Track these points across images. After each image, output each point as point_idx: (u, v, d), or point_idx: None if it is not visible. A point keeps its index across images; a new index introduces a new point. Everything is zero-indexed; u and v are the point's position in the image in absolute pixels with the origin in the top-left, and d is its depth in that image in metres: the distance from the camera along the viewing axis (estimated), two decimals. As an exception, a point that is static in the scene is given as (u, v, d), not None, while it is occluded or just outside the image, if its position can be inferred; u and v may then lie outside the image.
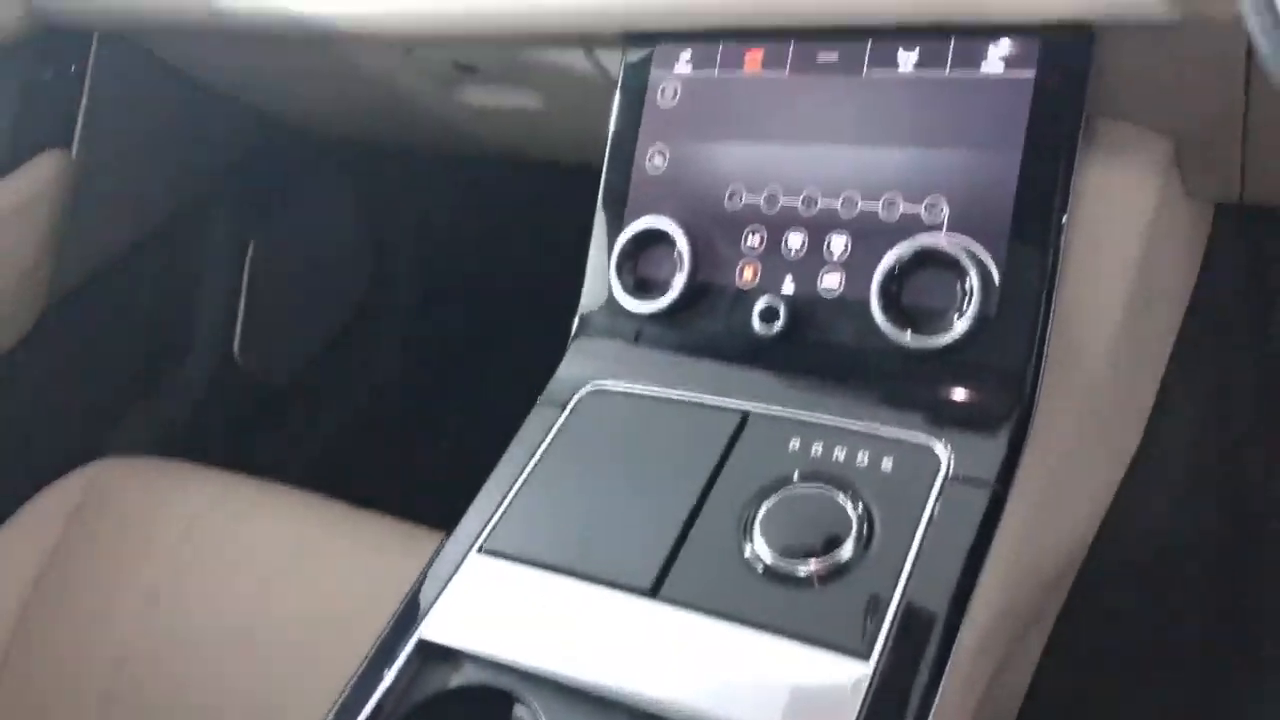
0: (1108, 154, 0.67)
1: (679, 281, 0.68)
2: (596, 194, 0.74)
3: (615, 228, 0.72)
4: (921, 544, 0.55)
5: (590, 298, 0.72)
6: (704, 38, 0.71)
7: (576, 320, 0.73)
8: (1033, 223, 0.61)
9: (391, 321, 1.54)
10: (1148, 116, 0.69)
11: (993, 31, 0.62)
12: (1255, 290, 1.03)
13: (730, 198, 0.69)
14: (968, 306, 0.60)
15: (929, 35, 0.64)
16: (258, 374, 1.37)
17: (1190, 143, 0.73)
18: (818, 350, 0.65)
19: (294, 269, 1.39)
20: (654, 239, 0.70)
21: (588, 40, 0.77)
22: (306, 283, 1.42)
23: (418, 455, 1.47)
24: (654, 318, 0.69)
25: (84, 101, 1.11)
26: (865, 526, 0.56)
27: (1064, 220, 0.61)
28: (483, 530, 0.63)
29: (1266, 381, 1.01)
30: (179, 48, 1.10)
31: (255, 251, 1.33)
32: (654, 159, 0.72)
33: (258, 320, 1.34)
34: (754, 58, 0.70)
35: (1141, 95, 0.66)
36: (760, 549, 0.57)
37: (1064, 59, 0.61)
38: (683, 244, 0.68)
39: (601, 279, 0.71)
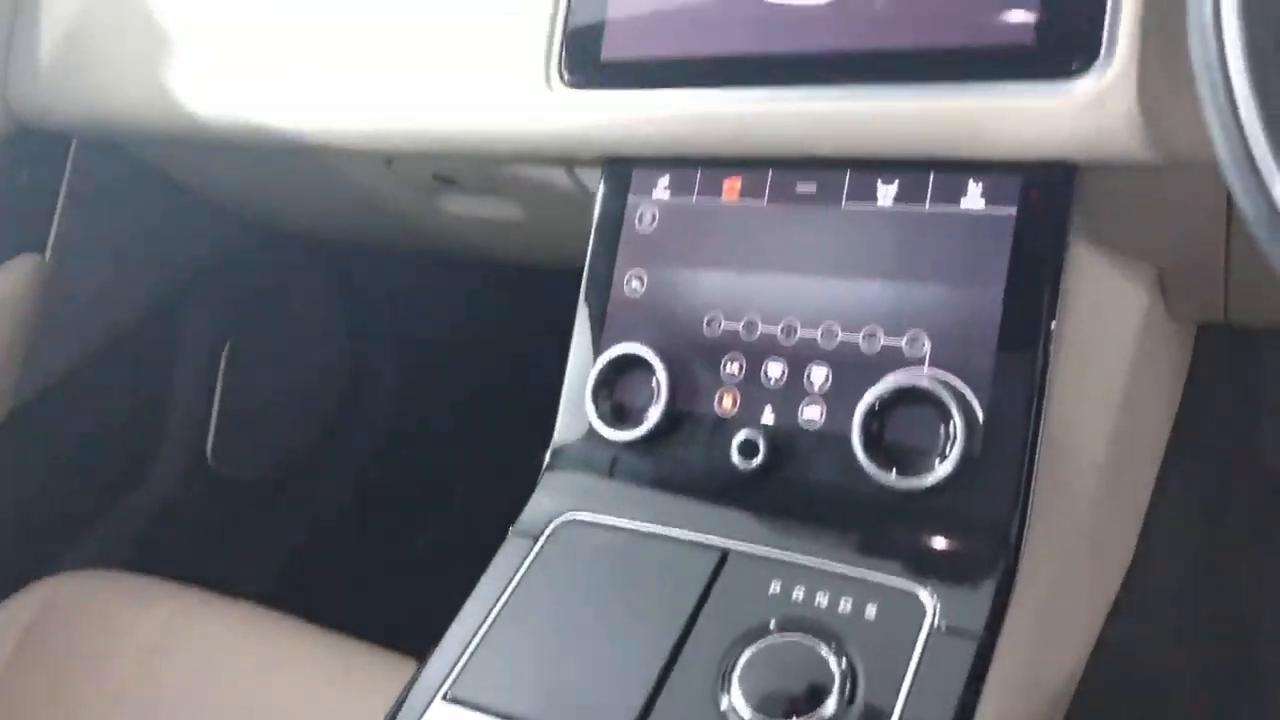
0: (1091, 282, 0.67)
1: (656, 409, 0.66)
2: (578, 295, 0.72)
3: (592, 353, 0.70)
4: (907, 700, 0.53)
5: (566, 424, 0.71)
6: (682, 164, 0.70)
7: (550, 450, 0.71)
8: (1017, 361, 0.59)
9: (371, 421, 1.51)
10: (1131, 245, 0.68)
11: (973, 167, 0.61)
12: (1243, 407, 1.02)
13: (709, 324, 0.68)
14: (951, 447, 0.58)
15: (908, 169, 0.63)
16: (231, 476, 1.34)
17: (1173, 268, 0.73)
18: (799, 487, 0.63)
19: (272, 369, 1.37)
20: (631, 365, 0.68)
21: (567, 161, 0.77)
22: (284, 383, 1.40)
23: (395, 560, 1.43)
24: (631, 446, 0.68)
25: (60, 204, 1.10)
26: (849, 681, 0.54)
27: (1049, 357, 0.60)
28: (450, 673, 0.60)
29: (1256, 501, 1.00)
30: (159, 152, 1.09)
31: (232, 351, 1.31)
32: (632, 283, 0.71)
33: (232, 421, 1.32)
34: (732, 186, 0.69)
35: (1124, 225, 0.66)
36: (738, 703, 0.54)
37: (1046, 195, 0.60)
38: (660, 371, 0.67)
39: (578, 405, 0.69)
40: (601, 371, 0.69)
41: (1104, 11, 0.55)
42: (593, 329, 0.71)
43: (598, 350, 0.70)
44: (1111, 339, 0.71)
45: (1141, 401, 0.76)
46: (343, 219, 1.15)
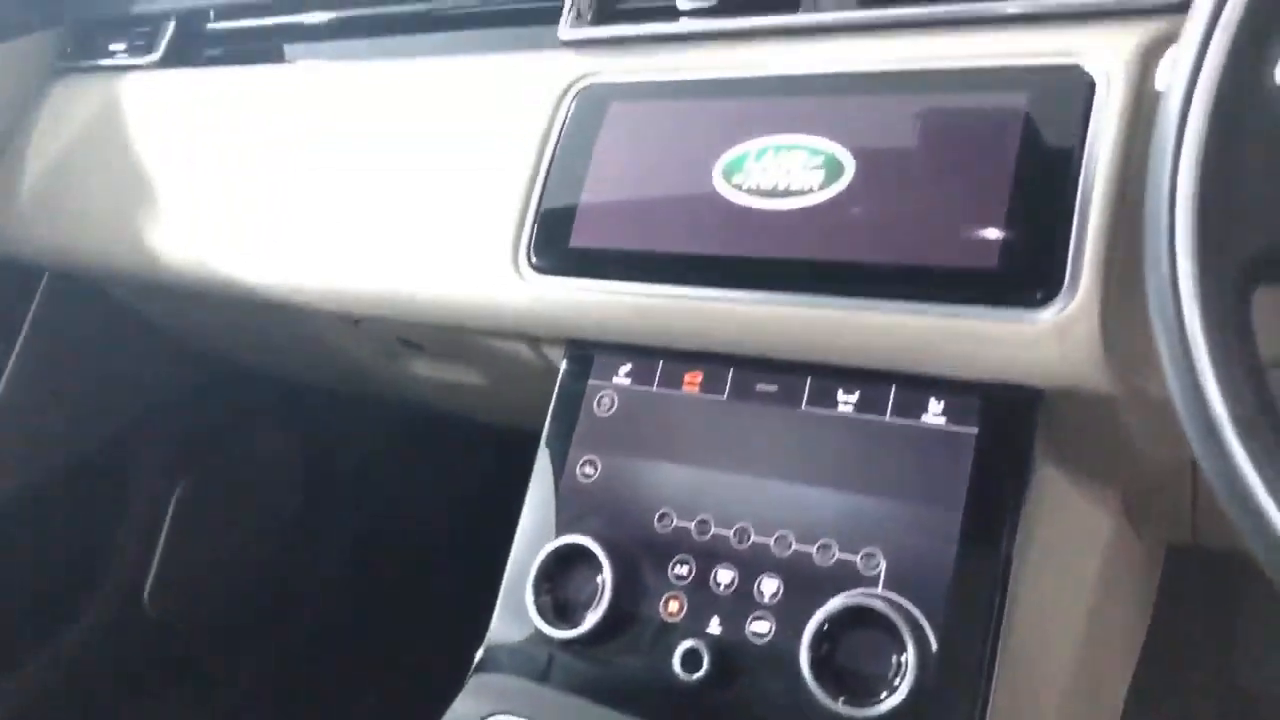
0: (1055, 505, 0.65)
1: (599, 609, 0.63)
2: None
3: (537, 541, 0.67)
4: None
5: (503, 615, 0.67)
6: (645, 353, 0.69)
7: (485, 644, 0.67)
8: (974, 588, 0.57)
9: (323, 572, 1.46)
10: (1097, 468, 0.67)
11: (935, 384, 0.60)
12: (1213, 628, 0.99)
13: (661, 520, 0.65)
14: (902, 678, 0.55)
15: (869, 379, 0.62)
16: (168, 621, 1.28)
17: (1140, 492, 0.71)
18: (742, 707, 0.59)
19: (225, 511, 1.33)
20: (577, 557, 0.65)
21: (531, 339, 0.76)
22: (236, 526, 1.35)
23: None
24: (569, 645, 0.64)
25: (23, 334, 1.08)
26: None
27: (1008, 585, 0.57)
28: None
29: (1228, 725, 0.96)
30: (129, 290, 1.08)
31: (185, 490, 1.27)
32: (585, 469, 0.69)
33: (177, 564, 1.27)
34: (693, 379, 0.68)
35: (1089, 450, 0.64)
36: None
37: (1008, 418, 0.59)
38: (606, 568, 0.64)
39: (517, 596, 0.66)
40: (544, 562, 0.66)
41: (1069, 243, 0.55)
42: (540, 514, 0.69)
43: (544, 538, 0.67)
44: (1076, 563, 0.69)
45: (1108, 625, 0.73)
46: (308, 368, 1.14)
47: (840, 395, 0.63)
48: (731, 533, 0.63)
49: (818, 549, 0.61)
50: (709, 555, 0.63)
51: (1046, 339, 0.55)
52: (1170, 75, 0.41)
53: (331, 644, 1.43)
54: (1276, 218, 0.40)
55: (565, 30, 0.76)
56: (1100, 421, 0.62)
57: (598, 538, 0.65)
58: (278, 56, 0.96)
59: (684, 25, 0.73)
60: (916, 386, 0.61)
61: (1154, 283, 0.41)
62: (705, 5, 0.72)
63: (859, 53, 0.66)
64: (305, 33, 0.96)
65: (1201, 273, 0.39)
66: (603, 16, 0.76)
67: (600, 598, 0.63)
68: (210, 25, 1.01)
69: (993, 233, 0.57)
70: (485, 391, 0.95)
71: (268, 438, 1.37)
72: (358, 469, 1.46)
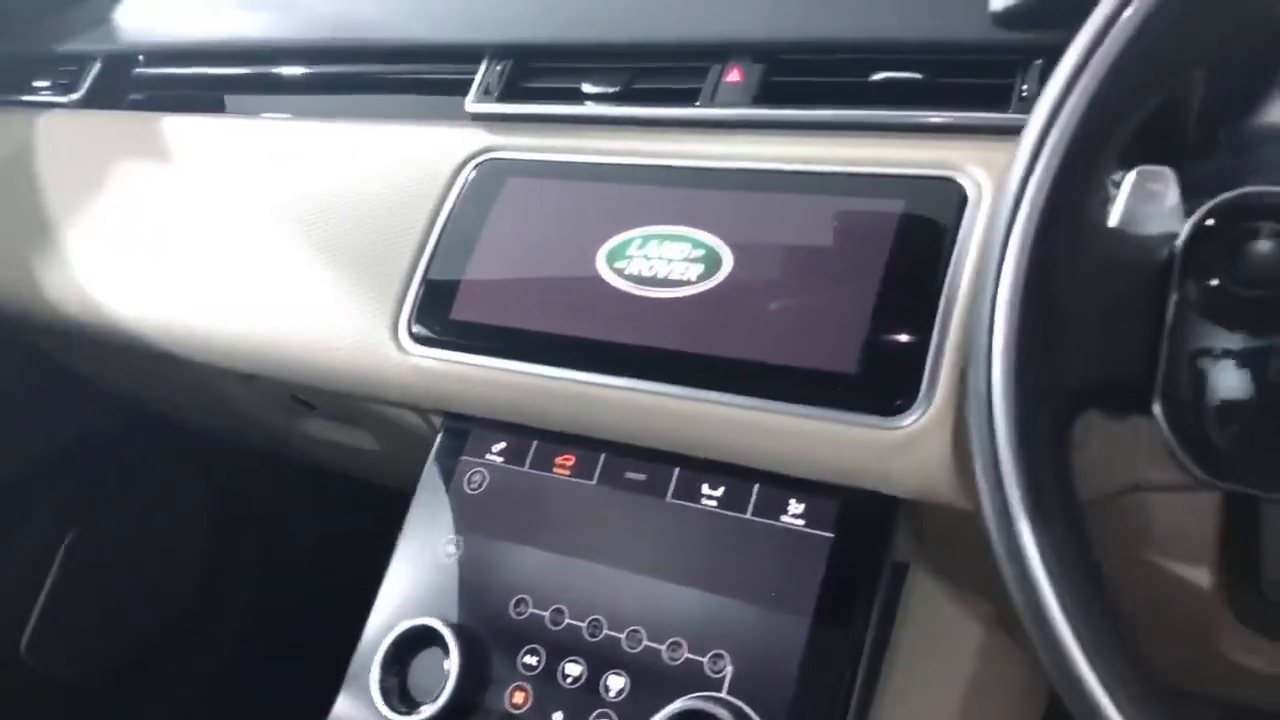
0: (921, 610, 0.64)
1: (441, 698, 0.61)
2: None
3: (391, 620, 0.65)
4: None
5: (347, 699, 0.65)
6: (520, 431, 0.68)
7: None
8: (819, 696, 0.55)
9: (225, 623, 1.41)
10: (963, 575, 0.66)
11: (797, 484, 0.59)
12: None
13: (516, 607, 0.63)
14: (738, 791, 0.53)
15: (735, 475, 0.61)
16: (49, 673, 1.22)
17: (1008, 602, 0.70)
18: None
19: (119, 561, 1.28)
20: (428, 640, 0.63)
21: (414, 407, 0.75)
22: (130, 578, 1.31)
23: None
24: (410, 733, 0.62)
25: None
26: None
27: (852, 698, 0.56)
28: None
29: None
30: (36, 330, 1.06)
31: (76, 538, 1.23)
32: (448, 548, 0.67)
33: (61, 614, 1.22)
34: (565, 462, 0.67)
35: (957, 556, 0.64)
36: None
37: (866, 523, 0.58)
38: (454, 653, 0.61)
39: (362, 679, 0.64)
40: (394, 643, 0.63)
41: (927, 353, 0.55)
42: (398, 591, 0.67)
43: (398, 617, 0.65)
44: (945, 671, 0.68)
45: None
46: (208, 416, 1.12)
47: (705, 489, 0.62)
48: (585, 624, 0.61)
49: (668, 647, 0.59)
50: (560, 647, 0.61)
51: (901, 448, 0.55)
52: (996, 202, 0.42)
53: (234, 697, 1.38)
54: (1094, 351, 0.40)
55: (472, 104, 0.76)
56: (963, 530, 0.61)
57: (450, 622, 0.63)
58: (199, 106, 0.96)
59: (586, 109, 0.73)
60: (779, 485, 0.60)
61: (973, 414, 0.41)
62: (609, 91, 0.73)
63: (750, 149, 0.66)
64: (228, 85, 0.96)
65: (1015, 408, 0.39)
66: (510, 94, 0.76)
67: (444, 686, 0.61)
68: (137, 70, 1.00)
69: (855, 338, 0.57)
70: (376, 455, 0.93)
71: (172, 483, 1.33)
72: (264, 518, 1.42)
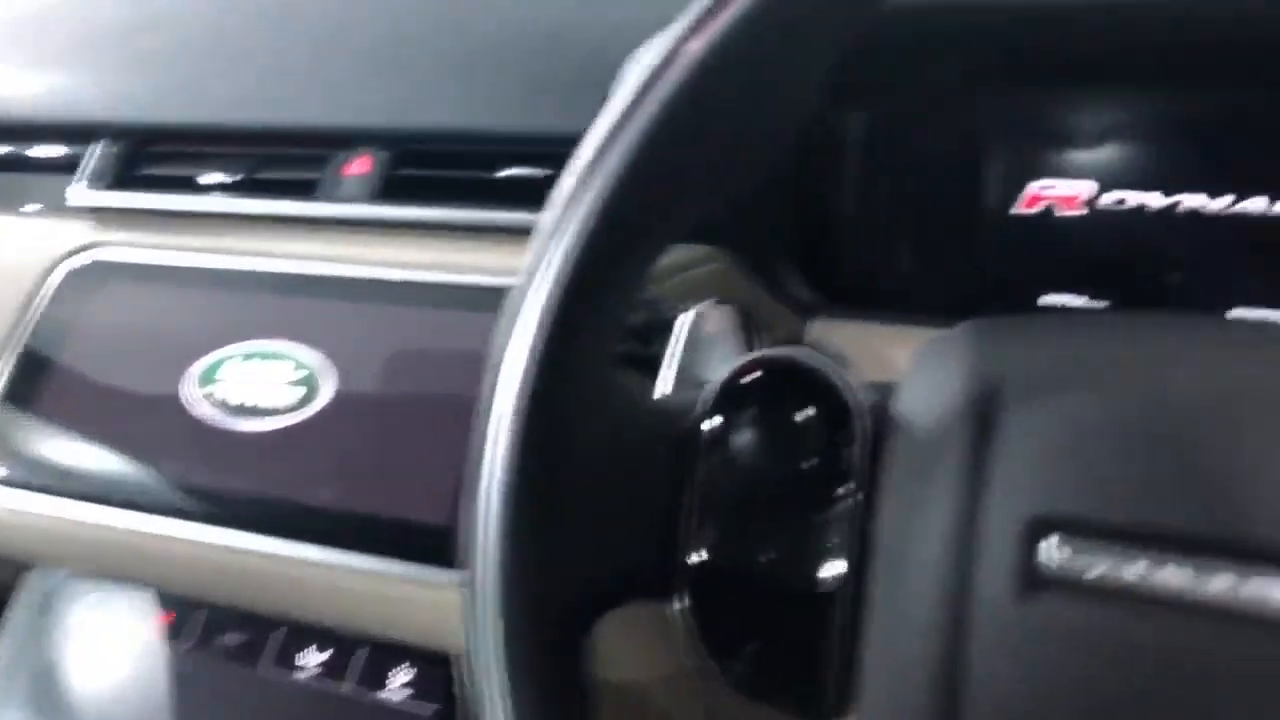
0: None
1: None
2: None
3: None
4: None
5: None
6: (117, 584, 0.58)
7: None
8: None
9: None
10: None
11: (405, 650, 0.51)
12: None
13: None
14: None
15: (339, 639, 0.53)
16: None
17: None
18: None
19: None
20: None
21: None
22: None
23: None
24: None
25: None
26: None
27: None
28: None
29: None
30: None
31: None
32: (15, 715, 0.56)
33: None
34: (165, 620, 0.57)
35: None
36: None
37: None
38: None
39: None
40: None
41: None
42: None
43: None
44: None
45: None
46: None
47: (301, 657, 0.53)
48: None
49: None
50: None
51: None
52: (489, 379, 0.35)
53: None
54: (612, 546, 0.34)
55: (73, 193, 0.66)
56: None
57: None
58: None
59: (200, 202, 0.64)
60: (387, 651, 0.52)
61: (469, 618, 0.33)
62: (228, 181, 0.64)
63: (369, 252, 0.59)
64: None
65: (508, 624, 0.32)
66: (120, 181, 0.66)
67: None
68: None
69: (449, 484, 0.49)
70: None
71: None
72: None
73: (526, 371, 0.32)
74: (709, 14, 0.31)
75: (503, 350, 0.32)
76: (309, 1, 0.67)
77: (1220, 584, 0.29)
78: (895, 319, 0.57)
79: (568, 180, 0.32)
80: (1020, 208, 0.57)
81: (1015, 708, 0.30)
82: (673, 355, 0.39)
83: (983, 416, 0.31)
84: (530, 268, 0.32)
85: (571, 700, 0.33)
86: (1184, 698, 0.29)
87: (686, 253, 0.56)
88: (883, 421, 0.33)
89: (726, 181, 0.34)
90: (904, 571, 0.31)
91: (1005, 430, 0.31)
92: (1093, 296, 0.58)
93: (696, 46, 0.31)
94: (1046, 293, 0.58)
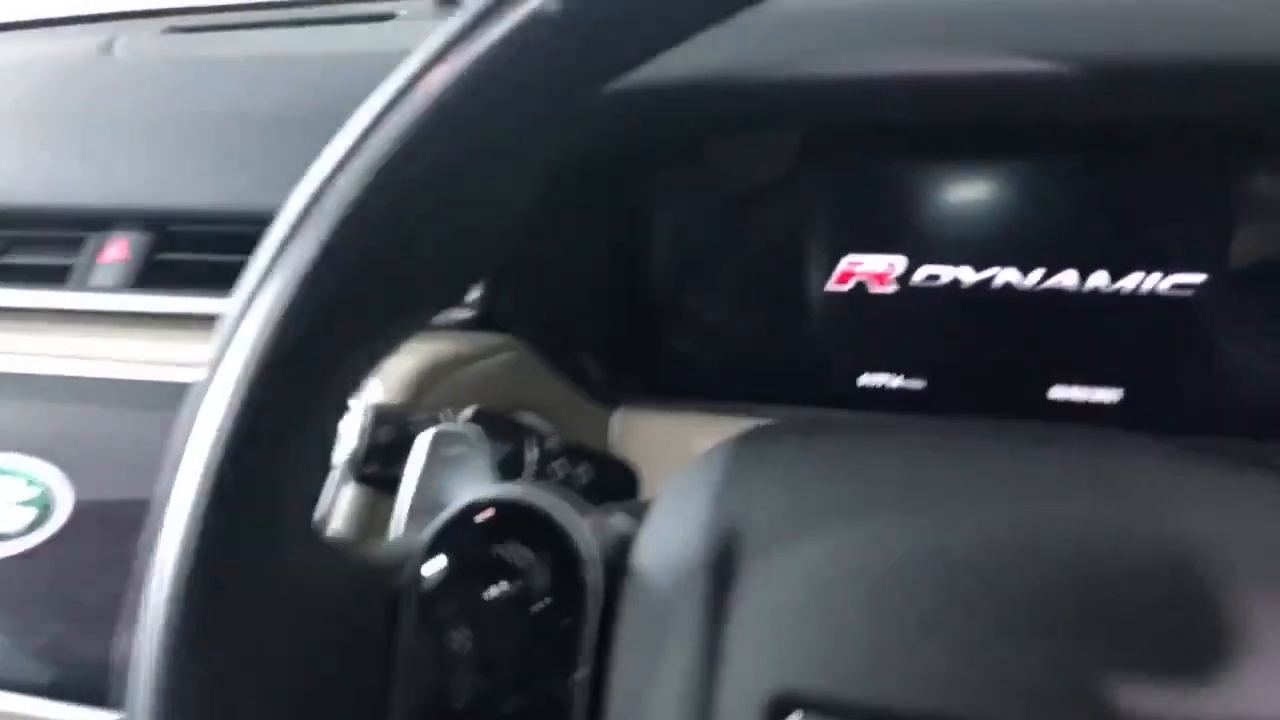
0: None
1: None
2: None
3: None
4: None
5: None
6: None
7: None
8: None
9: None
10: None
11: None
12: None
13: None
14: None
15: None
16: None
17: None
18: None
19: None
20: None
21: None
22: None
23: None
24: None
25: None
26: None
27: None
28: None
29: None
30: None
31: None
32: None
33: None
34: None
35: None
36: None
37: None
38: None
39: None
40: None
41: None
42: None
43: None
44: None
45: None
46: None
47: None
48: None
49: None
50: None
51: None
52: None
53: None
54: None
55: None
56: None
57: None
58: None
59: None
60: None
61: None
62: (-32, 267, 0.57)
63: (120, 348, 0.52)
64: None
65: None
66: None
67: None
68: None
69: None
70: None
71: None
72: None
73: (190, 518, 0.26)
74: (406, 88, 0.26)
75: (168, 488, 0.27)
76: (61, 77, 0.61)
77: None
78: (708, 408, 0.54)
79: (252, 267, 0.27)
80: (833, 285, 0.54)
81: None
82: (410, 481, 0.34)
83: (721, 570, 0.27)
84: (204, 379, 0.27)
85: None
86: None
87: (478, 341, 0.51)
88: (617, 571, 0.28)
89: (443, 275, 0.29)
90: (638, 754, 0.27)
91: (744, 586, 0.26)
92: (909, 376, 0.55)
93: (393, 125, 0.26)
94: (864, 373, 0.55)
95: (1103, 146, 0.50)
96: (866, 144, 0.54)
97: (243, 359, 0.26)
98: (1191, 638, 0.25)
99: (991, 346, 0.54)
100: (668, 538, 0.28)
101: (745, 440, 0.30)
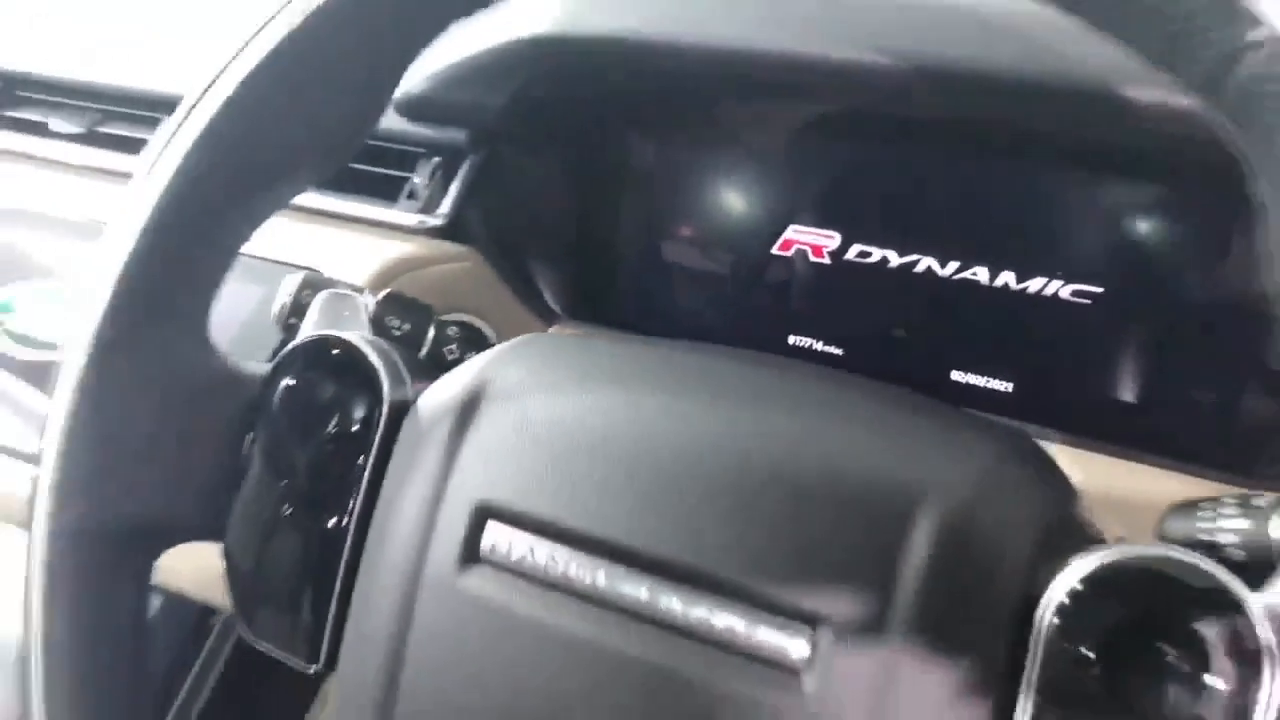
0: None
1: None
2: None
3: None
4: None
5: None
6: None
7: None
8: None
9: None
10: None
11: None
12: None
13: None
14: None
15: None
16: None
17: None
18: None
19: None
20: None
21: None
22: None
23: None
24: None
25: None
26: None
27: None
28: None
29: None
30: None
31: None
32: None
33: None
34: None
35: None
36: None
37: None
38: None
39: None
40: None
41: None
42: None
43: None
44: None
45: None
46: None
47: None
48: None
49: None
50: None
51: None
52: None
53: None
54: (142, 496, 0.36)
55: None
56: None
57: None
58: None
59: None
60: None
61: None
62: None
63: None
64: None
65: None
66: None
67: None
68: None
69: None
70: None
71: None
72: None
73: (101, 319, 0.35)
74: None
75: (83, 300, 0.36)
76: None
77: (630, 589, 0.31)
78: (639, 333, 0.60)
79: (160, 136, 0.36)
80: (778, 249, 0.60)
81: (446, 678, 0.33)
82: (305, 329, 0.42)
83: (465, 410, 0.34)
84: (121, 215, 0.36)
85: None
86: (586, 686, 0.32)
87: (441, 248, 0.59)
88: (402, 405, 0.36)
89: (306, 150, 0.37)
90: (386, 540, 0.34)
91: (478, 424, 0.34)
92: (829, 342, 0.60)
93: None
94: (792, 333, 0.61)
95: (1027, 156, 0.54)
96: (823, 124, 0.59)
97: (160, 188, 0.35)
98: (828, 545, 0.30)
99: (906, 325, 0.58)
100: (441, 387, 0.35)
101: (547, 334, 0.37)
